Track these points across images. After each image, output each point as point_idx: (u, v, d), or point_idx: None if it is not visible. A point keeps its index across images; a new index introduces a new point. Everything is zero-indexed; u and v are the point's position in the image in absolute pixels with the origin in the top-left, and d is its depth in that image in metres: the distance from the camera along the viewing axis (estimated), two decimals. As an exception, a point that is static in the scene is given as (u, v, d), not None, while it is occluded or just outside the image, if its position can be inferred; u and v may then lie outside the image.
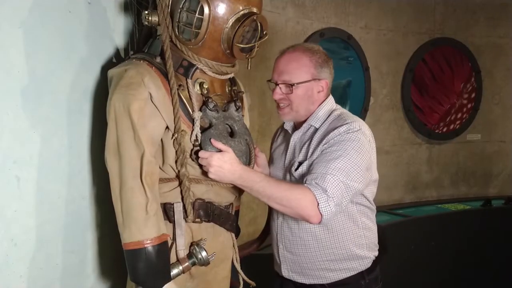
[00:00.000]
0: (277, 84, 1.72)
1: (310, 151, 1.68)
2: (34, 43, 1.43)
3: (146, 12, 1.57)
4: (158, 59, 1.55)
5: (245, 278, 1.83)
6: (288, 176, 1.75)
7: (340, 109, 1.77)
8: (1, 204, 1.37)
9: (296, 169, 1.69)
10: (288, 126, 1.84)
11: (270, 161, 1.92)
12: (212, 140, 1.54)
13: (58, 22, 1.53)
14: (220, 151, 1.54)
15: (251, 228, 2.73)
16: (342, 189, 1.54)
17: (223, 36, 1.53)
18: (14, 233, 1.41)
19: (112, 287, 1.77)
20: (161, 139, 1.54)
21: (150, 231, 1.45)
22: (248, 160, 1.68)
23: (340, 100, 3.13)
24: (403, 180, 4.05)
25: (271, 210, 1.87)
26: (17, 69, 1.39)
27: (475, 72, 4.15)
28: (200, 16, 1.49)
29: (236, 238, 1.82)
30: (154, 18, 1.56)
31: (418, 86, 4.02)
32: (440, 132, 4.11)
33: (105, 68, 1.66)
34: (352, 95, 3.67)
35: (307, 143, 1.72)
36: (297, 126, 1.81)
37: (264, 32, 1.60)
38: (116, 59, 1.76)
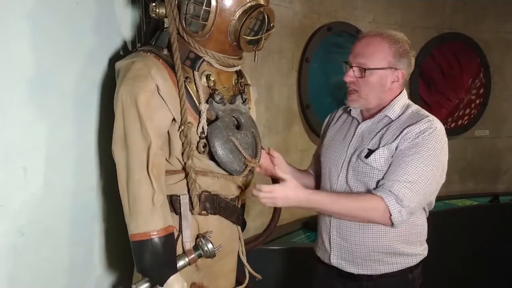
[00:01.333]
0: (351, 67, 1.68)
1: (384, 141, 1.64)
2: (41, 34, 1.43)
3: (154, 4, 1.56)
4: (165, 51, 1.55)
5: (251, 271, 1.83)
6: (354, 160, 1.69)
7: (414, 105, 1.73)
8: (8, 194, 1.38)
9: (366, 156, 1.65)
10: (355, 113, 1.79)
11: (324, 142, 1.88)
12: (276, 169, 1.59)
13: (66, 14, 1.52)
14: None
15: (258, 221, 2.72)
16: (418, 198, 1.56)
17: (230, 28, 1.52)
18: (21, 223, 1.42)
19: (118, 279, 1.78)
20: (168, 131, 1.54)
21: (157, 222, 1.45)
22: (254, 152, 1.67)
23: (348, 95, 3.11)
24: (410, 176, 4.00)
25: None
26: (24, 60, 1.40)
27: (484, 67, 4.10)
28: (207, 8, 1.48)
29: (242, 231, 1.82)
30: (162, 10, 1.55)
31: (426, 81, 3.97)
32: (448, 127, 4.05)
33: (113, 60, 1.65)
34: (360, 90, 3.63)
35: (380, 132, 1.67)
36: (364, 115, 1.76)
37: (271, 25, 1.59)
38: (124, 51, 1.75)
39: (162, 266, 1.47)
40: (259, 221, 2.72)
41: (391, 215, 1.54)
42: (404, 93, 1.73)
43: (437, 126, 1.61)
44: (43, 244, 1.49)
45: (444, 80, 4.03)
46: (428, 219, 3.46)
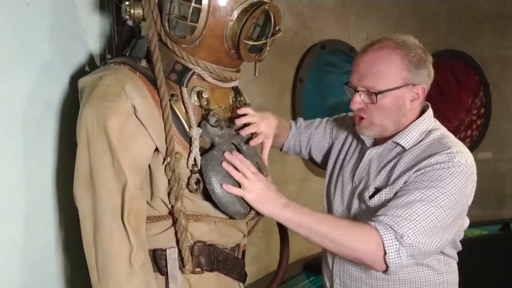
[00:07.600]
0: (356, 91, 1.40)
1: (393, 176, 1.38)
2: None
3: (127, 3, 1.28)
4: (144, 63, 1.29)
5: None
6: (356, 201, 1.46)
7: (441, 129, 1.44)
8: None
9: (371, 196, 1.40)
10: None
11: (329, 166, 1.64)
12: (224, 185, 1.25)
13: (12, 16, 1.21)
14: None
15: (253, 267, 2.45)
16: (423, 240, 1.26)
17: (226, 32, 1.25)
18: None
19: None
20: (149, 165, 1.26)
21: (136, 290, 1.13)
22: (261, 189, 1.35)
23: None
24: (412, 205, 3.79)
25: None
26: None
27: (483, 85, 4.01)
28: (197, 6, 1.21)
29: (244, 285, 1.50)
30: (138, 11, 1.28)
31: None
32: (450, 151, 3.91)
33: (75, 77, 1.37)
34: (356, 112, 3.44)
35: (389, 166, 1.42)
36: (377, 139, 1.50)
37: (277, 28, 1.32)
38: (89, 66, 1.46)
39: None
40: (255, 267, 2.45)
41: (385, 253, 1.23)
42: (428, 116, 1.45)
43: (460, 160, 1.32)
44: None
45: (443, 100, 3.88)
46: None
